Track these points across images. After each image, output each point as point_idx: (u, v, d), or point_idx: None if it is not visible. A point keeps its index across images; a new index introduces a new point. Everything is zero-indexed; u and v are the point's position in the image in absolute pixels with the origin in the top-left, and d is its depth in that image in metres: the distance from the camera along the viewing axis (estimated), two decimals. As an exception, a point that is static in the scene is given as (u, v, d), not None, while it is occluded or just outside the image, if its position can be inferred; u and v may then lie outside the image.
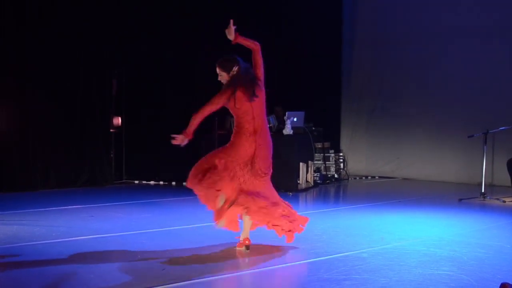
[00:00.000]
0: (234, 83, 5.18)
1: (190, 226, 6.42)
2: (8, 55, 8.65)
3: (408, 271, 4.67)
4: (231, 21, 5.22)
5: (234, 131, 5.33)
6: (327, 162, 10.85)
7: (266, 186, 5.32)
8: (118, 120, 10.12)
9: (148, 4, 10.13)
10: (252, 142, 5.21)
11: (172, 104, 10.23)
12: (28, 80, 8.83)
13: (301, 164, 9.73)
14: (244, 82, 5.18)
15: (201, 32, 10.11)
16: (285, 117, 9.65)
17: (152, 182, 10.28)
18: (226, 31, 5.23)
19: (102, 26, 9.59)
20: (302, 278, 4.46)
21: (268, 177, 5.34)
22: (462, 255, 5.22)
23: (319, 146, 10.68)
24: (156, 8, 10.14)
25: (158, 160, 10.19)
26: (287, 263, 4.90)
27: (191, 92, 9.97)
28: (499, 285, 4.01)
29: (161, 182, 10.25)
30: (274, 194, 5.39)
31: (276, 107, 10.19)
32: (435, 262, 4.96)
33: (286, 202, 5.52)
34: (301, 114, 10.05)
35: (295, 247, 5.43)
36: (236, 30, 5.22)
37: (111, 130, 10.02)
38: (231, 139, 5.30)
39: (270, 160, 5.37)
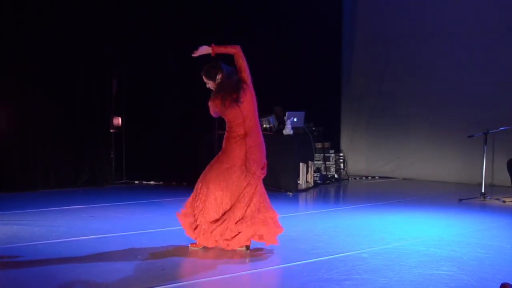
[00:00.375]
0: (219, 91, 5.25)
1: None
2: (8, 55, 8.65)
3: (408, 271, 4.67)
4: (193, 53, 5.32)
5: (225, 136, 5.37)
6: (327, 162, 10.85)
7: (254, 193, 5.32)
8: (118, 120, 10.12)
9: (148, 4, 10.13)
10: (242, 145, 5.25)
11: (172, 104, 10.23)
12: (28, 80, 8.83)
13: (301, 164, 9.73)
14: (228, 89, 5.22)
15: (201, 32, 10.10)
16: (285, 117, 9.65)
17: (152, 182, 10.28)
18: (202, 52, 5.30)
19: (102, 26, 9.59)
20: (302, 278, 4.46)
21: (261, 179, 5.36)
22: (462, 255, 5.22)
23: (319, 146, 10.67)
24: (156, 8, 10.13)
25: (158, 160, 10.20)
26: (287, 263, 4.90)
27: (191, 92, 9.97)
28: (499, 285, 4.01)
29: (161, 182, 10.25)
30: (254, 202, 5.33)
31: (276, 107, 10.19)
32: (435, 262, 4.97)
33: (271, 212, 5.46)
34: (301, 114, 10.05)
35: (295, 247, 5.43)
36: (207, 44, 5.29)
37: (111, 130, 10.02)
38: (223, 145, 5.37)
39: (264, 161, 5.40)
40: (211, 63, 5.32)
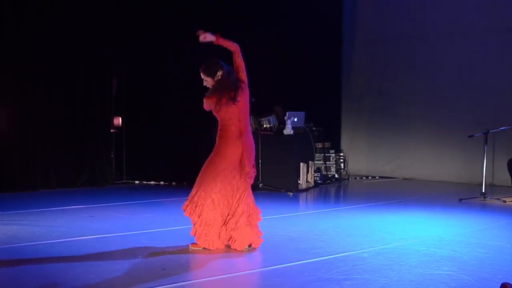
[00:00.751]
0: (219, 88, 5.21)
1: (190, 226, 6.40)
2: (8, 55, 8.65)
3: (408, 271, 4.67)
4: (200, 33, 5.27)
5: (218, 135, 5.32)
6: (327, 162, 10.84)
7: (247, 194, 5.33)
8: (118, 120, 10.12)
9: (148, 4, 10.13)
10: (239, 145, 5.26)
11: (172, 104, 10.22)
12: (28, 80, 8.83)
13: (301, 164, 9.73)
14: (227, 87, 5.21)
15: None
16: (285, 117, 9.65)
17: (152, 182, 10.27)
18: (202, 38, 5.26)
19: (102, 26, 9.59)
20: (303, 277, 4.46)
21: (252, 179, 5.38)
22: (462, 255, 5.21)
23: (320, 146, 10.67)
24: (156, 8, 10.13)
25: (159, 160, 10.20)
26: (287, 263, 4.90)
27: (191, 92, 9.95)
28: (499, 285, 4.00)
29: (162, 182, 10.24)
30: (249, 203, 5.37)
31: (276, 107, 10.18)
32: (436, 262, 4.96)
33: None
34: (302, 114, 10.05)
35: (295, 247, 5.43)
36: (214, 33, 5.28)
37: (111, 130, 10.02)
38: (216, 144, 5.31)
39: (253, 162, 5.41)
40: (210, 60, 5.30)
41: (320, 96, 11.58)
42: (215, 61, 5.29)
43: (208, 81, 5.30)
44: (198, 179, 5.30)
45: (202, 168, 5.32)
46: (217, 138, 5.33)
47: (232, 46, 5.28)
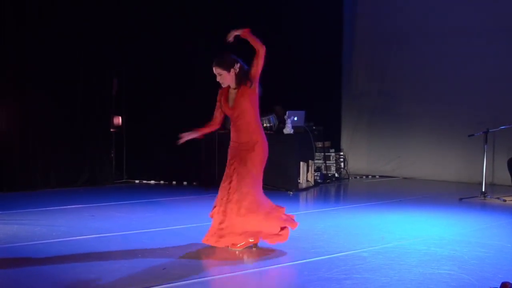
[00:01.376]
0: (245, 79, 5.08)
1: (191, 225, 6.42)
2: (8, 55, 8.65)
3: (408, 270, 4.67)
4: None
5: (251, 130, 5.13)
6: (327, 161, 10.84)
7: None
8: (118, 120, 10.12)
9: (148, 4, 10.13)
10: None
11: (172, 104, 10.23)
12: (28, 80, 8.84)
13: (301, 163, 9.73)
14: (248, 77, 5.12)
15: (201, 32, 10.11)
16: (285, 116, 9.65)
17: (152, 182, 10.28)
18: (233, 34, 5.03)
19: (102, 26, 9.59)
20: (303, 277, 4.46)
21: None
22: (462, 254, 5.21)
23: (320, 145, 10.66)
24: (156, 8, 10.13)
25: (159, 159, 10.19)
26: (287, 262, 4.90)
27: (191, 92, 9.98)
28: (499, 284, 4.00)
29: (162, 182, 10.25)
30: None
31: (276, 107, 10.18)
32: (436, 262, 4.96)
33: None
34: (302, 113, 10.04)
35: (295, 246, 5.43)
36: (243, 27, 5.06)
37: (111, 130, 10.02)
38: (255, 142, 5.15)
39: None
40: (221, 54, 5.10)
41: (320, 96, 11.57)
42: (227, 54, 5.10)
43: (223, 75, 5.08)
44: (252, 180, 5.13)
45: (253, 170, 5.14)
46: (249, 135, 5.14)
47: (259, 46, 5.05)
